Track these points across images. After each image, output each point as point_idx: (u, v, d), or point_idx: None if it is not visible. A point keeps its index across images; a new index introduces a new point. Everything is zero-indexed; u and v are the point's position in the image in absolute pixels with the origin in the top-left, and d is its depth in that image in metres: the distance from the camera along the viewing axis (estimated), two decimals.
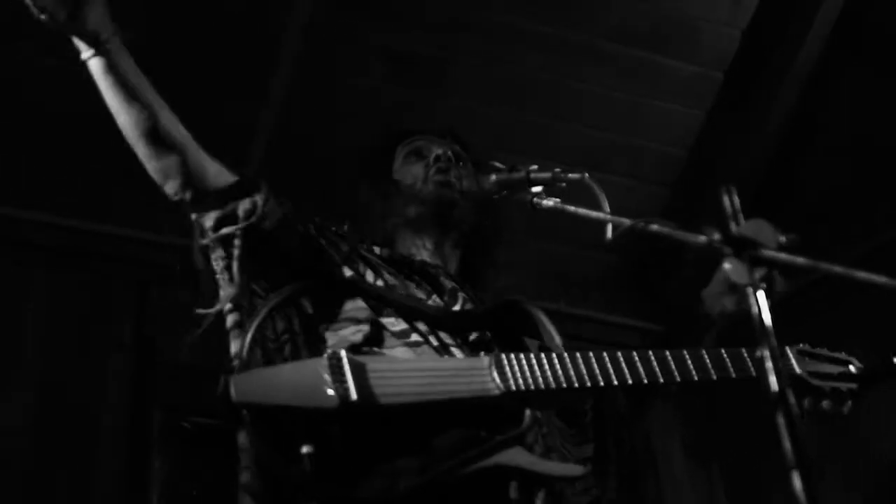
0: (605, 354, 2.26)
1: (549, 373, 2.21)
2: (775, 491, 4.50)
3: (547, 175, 2.27)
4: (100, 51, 2.23)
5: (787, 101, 4.89)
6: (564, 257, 5.06)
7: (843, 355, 2.53)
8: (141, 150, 2.32)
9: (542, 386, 2.19)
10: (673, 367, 2.27)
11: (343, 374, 2.05)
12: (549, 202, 2.23)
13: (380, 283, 2.47)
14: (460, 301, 2.53)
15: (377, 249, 2.61)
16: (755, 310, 1.61)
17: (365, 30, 4.50)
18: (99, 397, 4.21)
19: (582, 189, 2.17)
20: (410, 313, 2.38)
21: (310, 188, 4.53)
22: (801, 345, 2.50)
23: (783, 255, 1.64)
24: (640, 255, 5.11)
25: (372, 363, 2.13)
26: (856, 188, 4.84)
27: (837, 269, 1.66)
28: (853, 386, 2.45)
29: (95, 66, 2.25)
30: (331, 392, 2.02)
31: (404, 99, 4.65)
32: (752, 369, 2.32)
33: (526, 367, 2.21)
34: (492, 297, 2.60)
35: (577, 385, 2.21)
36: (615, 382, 2.23)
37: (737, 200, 1.72)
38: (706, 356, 2.31)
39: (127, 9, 4.14)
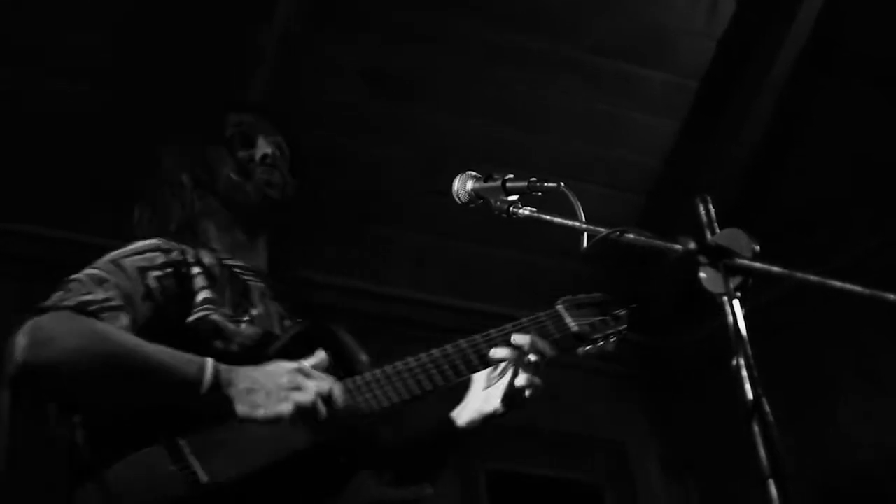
0: (410, 359, 2.20)
1: (379, 392, 2.14)
2: (752, 502, 4.50)
3: (523, 184, 2.23)
4: None
5: (763, 109, 4.90)
6: (540, 267, 5.05)
7: (604, 297, 2.50)
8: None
9: (377, 407, 2.13)
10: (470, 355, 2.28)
11: (185, 458, 1.93)
12: (524, 211, 2.21)
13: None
14: (275, 317, 2.32)
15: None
16: (730, 319, 1.61)
17: (341, 47, 4.49)
18: None
19: (558, 198, 2.16)
20: None
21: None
22: (566, 299, 2.53)
23: (758, 264, 1.64)
24: (615, 263, 5.11)
25: (211, 436, 1.98)
26: (831, 197, 4.85)
27: (812, 278, 1.65)
28: (621, 328, 2.45)
29: None
30: (177, 480, 1.90)
31: (381, 113, 4.65)
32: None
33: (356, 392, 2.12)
34: (293, 312, 2.39)
35: (407, 397, 2.16)
36: (429, 388, 2.18)
37: (712, 209, 1.72)
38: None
39: (101, 21, 4.16)
